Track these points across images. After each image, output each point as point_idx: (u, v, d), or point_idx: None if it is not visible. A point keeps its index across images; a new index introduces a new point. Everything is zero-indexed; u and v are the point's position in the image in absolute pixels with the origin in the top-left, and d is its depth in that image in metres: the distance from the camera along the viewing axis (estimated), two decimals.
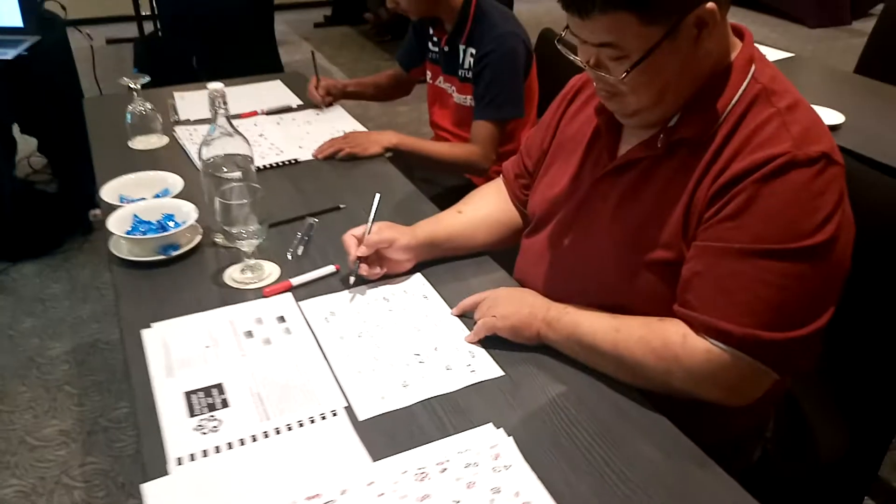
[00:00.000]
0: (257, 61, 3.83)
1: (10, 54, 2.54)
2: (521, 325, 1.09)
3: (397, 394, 1.02)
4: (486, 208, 1.36)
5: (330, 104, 2.05)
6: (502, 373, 1.06)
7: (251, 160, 1.36)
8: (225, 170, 1.32)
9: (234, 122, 1.93)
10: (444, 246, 1.31)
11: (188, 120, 1.96)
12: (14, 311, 2.53)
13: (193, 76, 3.73)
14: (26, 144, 3.12)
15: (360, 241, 1.23)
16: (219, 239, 1.37)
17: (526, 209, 1.31)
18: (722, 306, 0.93)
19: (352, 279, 1.23)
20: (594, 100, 1.13)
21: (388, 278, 1.27)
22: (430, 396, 1.01)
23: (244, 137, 1.34)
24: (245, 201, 1.22)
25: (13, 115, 2.81)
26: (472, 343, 1.11)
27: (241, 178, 1.30)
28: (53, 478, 1.89)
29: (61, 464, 1.93)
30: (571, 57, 1.02)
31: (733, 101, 0.97)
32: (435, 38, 2.01)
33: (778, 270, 0.90)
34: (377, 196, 1.29)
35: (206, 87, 1.30)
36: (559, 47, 1.03)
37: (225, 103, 1.30)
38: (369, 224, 1.25)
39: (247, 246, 1.25)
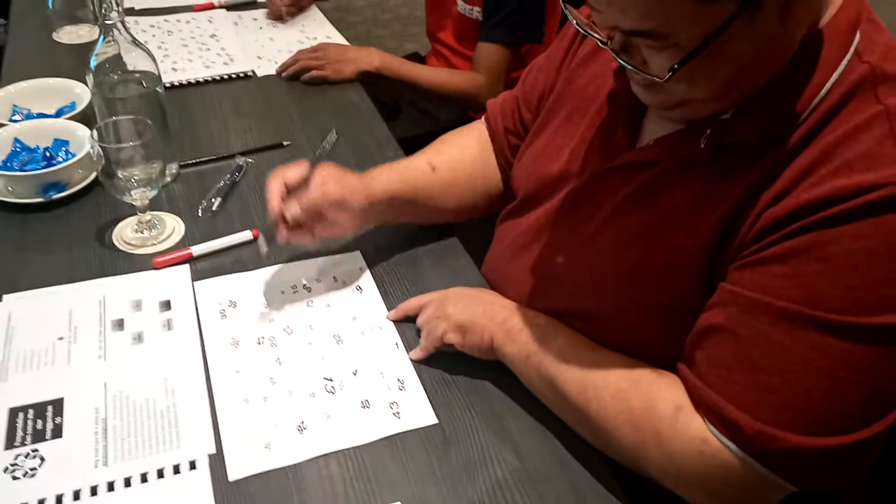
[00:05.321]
0: None
1: None
2: (469, 326, 0.81)
3: (289, 442, 0.75)
4: (466, 165, 1.02)
5: (295, 13, 1.67)
6: (434, 420, 0.78)
7: (157, 79, 1.05)
8: (119, 94, 1.02)
9: (186, 16, 1.62)
10: (405, 209, 0.97)
11: (132, 9, 1.62)
12: None
13: None
14: None
15: (288, 190, 0.88)
16: None
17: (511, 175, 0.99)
18: (739, 385, 0.63)
19: (263, 249, 0.88)
20: None
21: (313, 254, 0.98)
22: (331, 451, 0.75)
23: (146, 50, 1.02)
24: (129, 144, 0.92)
25: None
26: (415, 359, 0.84)
27: (133, 113, 0.99)
28: None
29: None
30: (582, 29, 0.66)
31: (823, 92, 0.62)
32: None
33: (835, 352, 0.60)
34: (332, 133, 0.94)
35: None
36: (564, 7, 0.67)
37: (118, 3, 0.97)
38: (310, 169, 0.88)
39: (138, 199, 0.97)
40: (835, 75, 0.62)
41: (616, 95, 0.78)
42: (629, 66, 0.64)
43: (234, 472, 0.72)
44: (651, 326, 0.73)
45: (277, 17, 1.63)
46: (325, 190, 0.88)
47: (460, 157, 1.03)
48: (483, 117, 1.06)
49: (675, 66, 0.60)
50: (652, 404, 0.69)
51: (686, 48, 0.59)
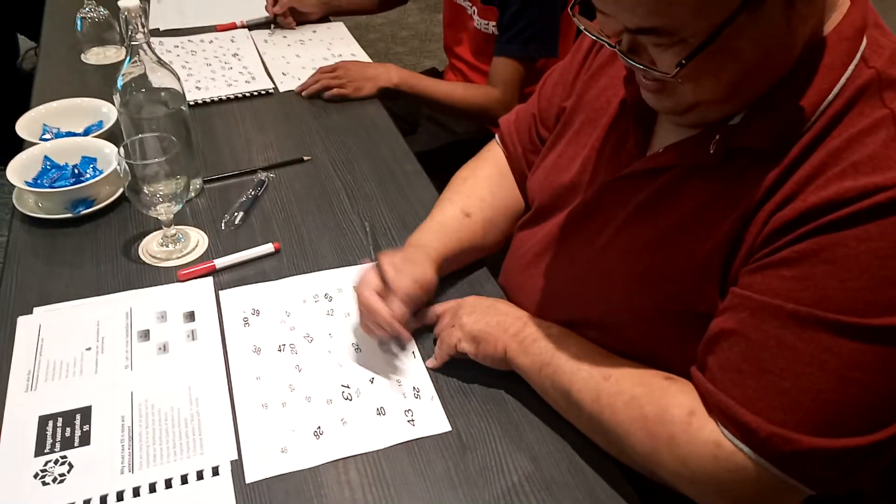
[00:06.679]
0: None
1: None
2: (483, 336, 0.82)
3: (305, 447, 0.77)
4: (495, 199, 1.01)
5: (289, 24, 1.69)
6: (449, 427, 0.79)
7: (182, 97, 1.08)
8: (145, 112, 1.05)
9: (209, 36, 1.66)
10: (455, 262, 0.98)
11: (158, 30, 1.67)
12: None
13: None
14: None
15: (383, 295, 0.85)
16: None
17: None
18: (751, 388, 0.64)
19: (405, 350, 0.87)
20: None
21: (334, 265, 1.00)
22: (347, 455, 0.76)
23: (170, 69, 1.05)
24: (155, 160, 0.95)
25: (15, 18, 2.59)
26: (431, 368, 0.86)
27: (158, 130, 1.02)
28: None
29: None
30: (591, 34, 0.68)
31: (830, 97, 0.63)
32: None
33: (846, 353, 0.60)
34: (367, 226, 0.93)
35: None
36: (572, 15, 0.69)
37: (144, 24, 1.01)
38: (377, 267, 0.87)
39: (163, 214, 0.99)
40: (842, 80, 0.63)
41: (626, 104, 0.80)
42: (638, 66, 0.66)
43: (251, 475, 0.74)
44: (664, 333, 0.74)
45: (286, 24, 1.68)
46: (412, 279, 0.87)
47: (487, 193, 1.02)
48: (497, 137, 1.08)
49: (683, 62, 0.61)
50: (665, 410, 0.69)
51: (692, 44, 0.60)
